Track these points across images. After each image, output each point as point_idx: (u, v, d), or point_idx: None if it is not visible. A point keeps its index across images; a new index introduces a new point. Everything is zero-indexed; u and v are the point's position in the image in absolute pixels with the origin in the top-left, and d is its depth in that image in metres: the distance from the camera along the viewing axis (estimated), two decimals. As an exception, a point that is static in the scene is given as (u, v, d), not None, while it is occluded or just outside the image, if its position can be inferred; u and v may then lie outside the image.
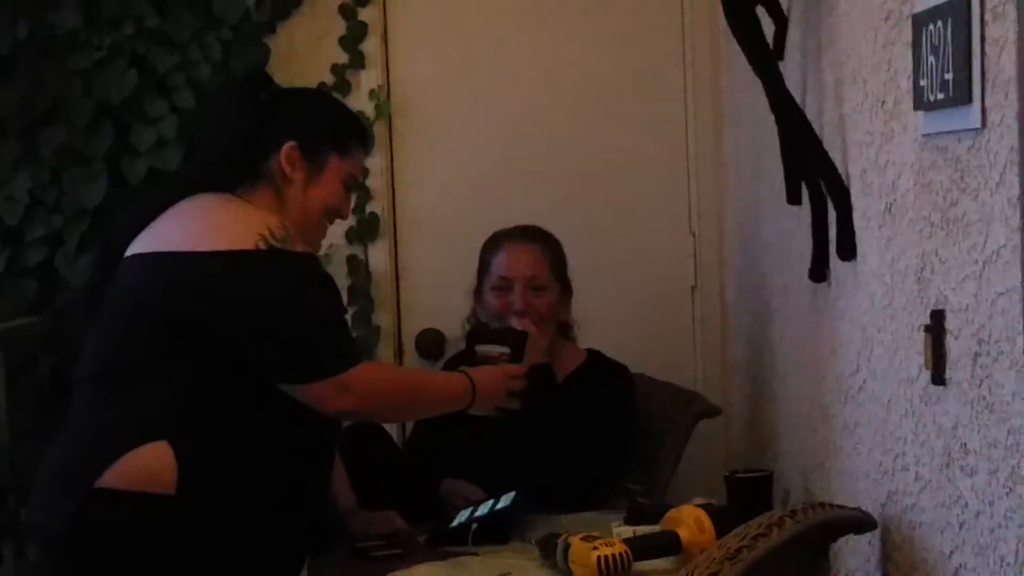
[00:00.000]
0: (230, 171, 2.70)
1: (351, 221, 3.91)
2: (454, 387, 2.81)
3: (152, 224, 2.65)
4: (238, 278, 2.55)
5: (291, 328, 2.56)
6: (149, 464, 2.50)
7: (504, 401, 2.87)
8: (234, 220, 2.60)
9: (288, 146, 2.70)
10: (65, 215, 3.83)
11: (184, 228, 2.61)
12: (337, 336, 2.64)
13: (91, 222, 3.81)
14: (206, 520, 2.52)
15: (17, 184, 3.84)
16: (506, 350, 2.97)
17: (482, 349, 3.01)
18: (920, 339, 2.10)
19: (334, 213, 2.79)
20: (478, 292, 3.48)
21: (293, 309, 2.56)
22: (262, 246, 2.54)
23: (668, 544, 2.65)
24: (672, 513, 2.72)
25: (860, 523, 2.32)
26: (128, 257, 2.64)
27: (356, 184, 2.86)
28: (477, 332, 3.19)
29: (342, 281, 3.82)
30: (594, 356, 3.52)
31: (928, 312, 2.07)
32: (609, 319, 3.87)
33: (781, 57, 2.85)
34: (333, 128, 2.78)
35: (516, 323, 3.31)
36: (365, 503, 3.19)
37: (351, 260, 4.02)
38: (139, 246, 2.64)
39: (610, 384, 3.46)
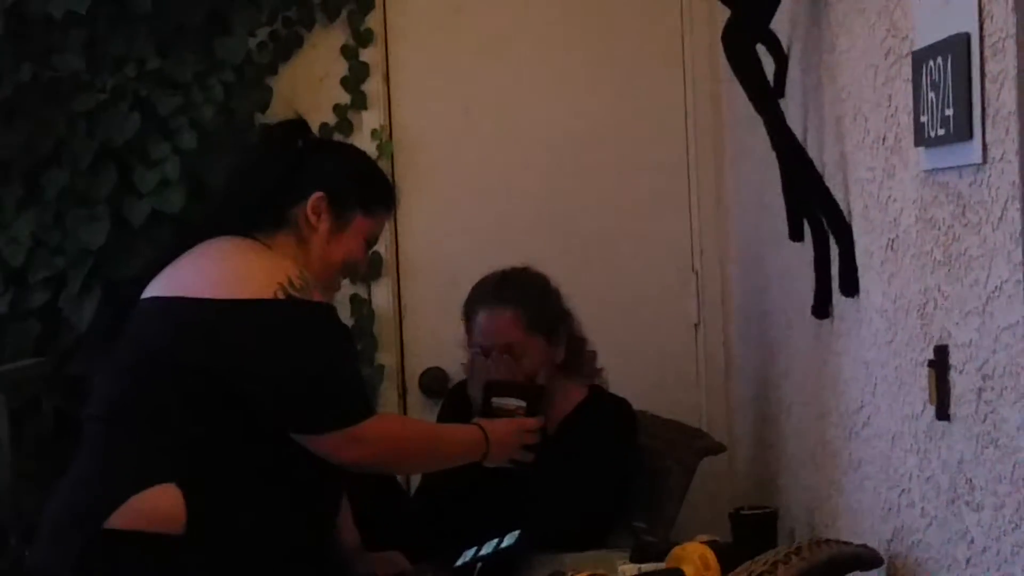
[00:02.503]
0: (254, 214, 2.71)
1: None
2: (467, 441, 2.82)
3: (172, 266, 2.65)
4: (255, 327, 2.55)
5: (305, 380, 2.56)
6: (157, 505, 2.50)
7: (518, 454, 2.88)
8: (254, 268, 2.60)
9: (316, 196, 2.71)
10: (68, 257, 3.83)
11: (204, 273, 2.61)
12: (351, 388, 2.64)
13: (94, 264, 3.81)
14: (213, 562, 2.52)
15: (20, 226, 3.84)
16: (522, 403, 2.99)
17: (498, 401, 3.02)
18: (924, 375, 2.10)
19: (351, 268, 2.80)
20: (467, 342, 3.47)
21: (309, 361, 2.57)
22: (281, 295, 2.55)
23: (673, 582, 2.65)
24: (677, 551, 2.71)
25: (866, 560, 2.31)
26: (146, 299, 2.64)
27: (375, 242, 2.87)
28: (494, 384, 3.19)
29: (345, 320, 3.82)
30: (595, 392, 3.51)
31: (932, 347, 2.07)
32: (612, 358, 3.86)
33: (782, 95, 2.86)
34: (363, 186, 2.79)
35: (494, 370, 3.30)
36: (369, 543, 3.18)
37: (354, 299, 4.03)
38: (157, 288, 2.64)
39: (611, 420, 3.45)
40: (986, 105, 1.82)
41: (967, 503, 1.96)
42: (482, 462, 2.83)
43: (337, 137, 3.93)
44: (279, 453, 2.58)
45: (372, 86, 4.06)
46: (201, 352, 2.55)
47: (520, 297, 3.42)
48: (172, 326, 2.59)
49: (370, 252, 2.88)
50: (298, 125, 2.86)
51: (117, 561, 2.50)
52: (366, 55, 4.04)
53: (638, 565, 2.83)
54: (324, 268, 2.72)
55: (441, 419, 3.52)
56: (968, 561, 1.97)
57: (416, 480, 3.62)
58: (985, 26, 1.81)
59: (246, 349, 2.55)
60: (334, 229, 2.73)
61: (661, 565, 2.73)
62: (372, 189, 2.82)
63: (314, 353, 2.58)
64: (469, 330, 3.45)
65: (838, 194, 2.59)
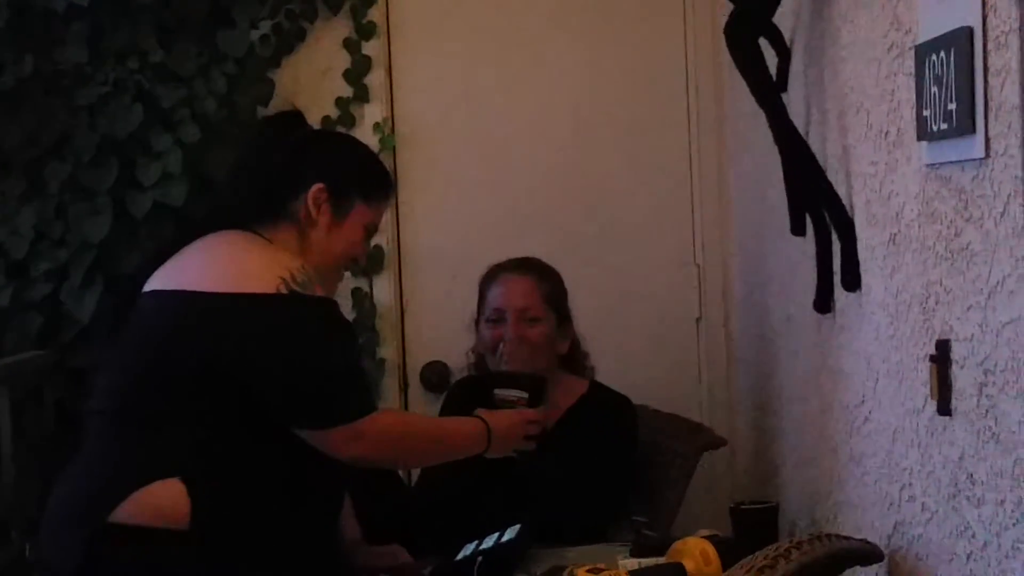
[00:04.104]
0: (255, 208, 2.70)
1: (356, 253, 3.92)
2: (469, 433, 2.81)
3: (174, 259, 2.65)
4: (257, 322, 2.55)
5: (307, 375, 2.56)
6: (162, 500, 2.50)
7: (520, 445, 2.88)
8: (256, 262, 2.60)
9: (316, 188, 2.71)
10: (70, 249, 3.83)
11: (206, 267, 2.61)
12: (353, 384, 2.64)
13: (96, 256, 3.81)
14: (217, 556, 2.51)
15: (22, 219, 3.84)
16: (524, 395, 2.99)
17: (500, 393, 3.02)
18: (925, 369, 2.10)
19: (352, 259, 2.80)
20: (477, 324, 3.49)
21: (310, 356, 2.57)
22: (283, 290, 2.54)
23: (674, 576, 2.65)
24: (678, 545, 2.72)
25: (867, 555, 2.31)
26: (147, 292, 2.64)
27: (375, 232, 2.87)
28: (496, 376, 3.20)
29: (346, 314, 3.82)
30: (595, 388, 3.51)
31: (933, 342, 2.07)
32: (613, 352, 3.87)
33: (784, 88, 2.86)
34: (362, 175, 2.79)
35: (505, 352, 3.32)
36: (370, 536, 3.18)
37: (356, 293, 4.03)
38: (160, 282, 2.63)
39: (611, 415, 3.45)
40: (989, 99, 1.82)
41: (968, 498, 1.96)
42: (484, 454, 2.83)
43: (340, 130, 3.92)
44: (282, 448, 2.57)
45: (375, 79, 4.05)
46: (203, 347, 2.55)
47: (540, 271, 3.49)
48: (174, 320, 2.58)
49: (370, 243, 2.87)
50: (294, 117, 2.86)
51: (121, 555, 2.50)
52: (369, 48, 4.04)
53: (638, 559, 2.83)
54: (325, 260, 2.72)
55: (443, 414, 3.52)
56: (969, 556, 1.97)
57: (416, 473, 3.62)
58: (988, 20, 1.81)
59: (248, 344, 2.55)
60: (334, 220, 2.73)
61: (661, 559, 2.74)
62: (371, 177, 2.81)
63: (316, 348, 2.58)
64: (482, 303, 3.45)
65: (840, 188, 2.59)
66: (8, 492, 3.62)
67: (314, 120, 3.74)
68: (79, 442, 2.68)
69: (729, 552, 2.56)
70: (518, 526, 3.02)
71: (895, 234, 2.28)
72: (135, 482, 2.51)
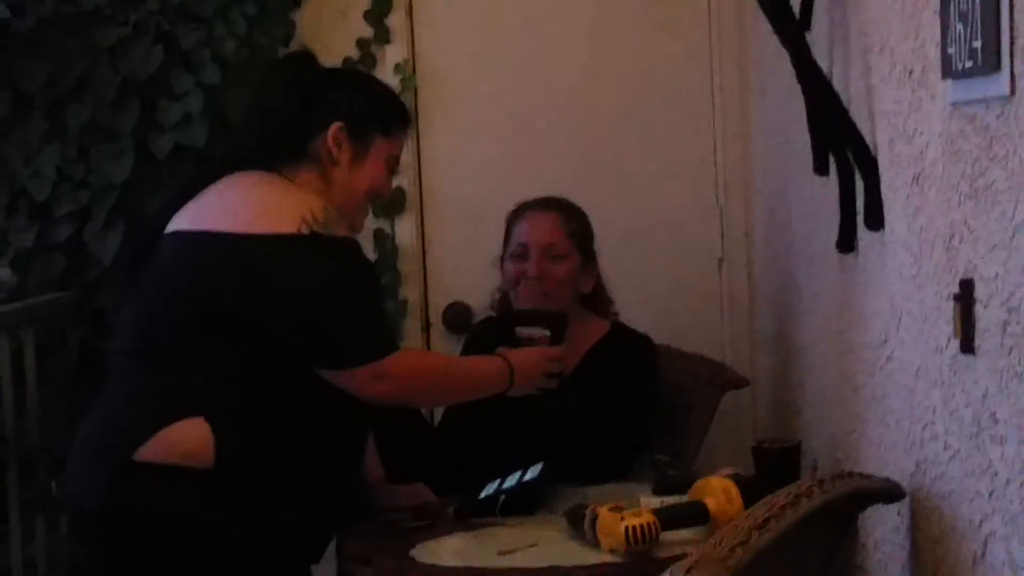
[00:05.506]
0: (274, 150, 2.71)
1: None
2: (491, 372, 2.82)
3: (195, 200, 2.66)
4: (279, 263, 2.56)
5: (329, 316, 2.57)
6: (187, 439, 2.52)
7: (542, 382, 2.89)
8: (277, 202, 2.61)
9: (335, 127, 2.71)
10: (93, 191, 3.84)
11: (227, 208, 2.62)
12: (375, 323, 2.65)
13: (118, 197, 3.82)
14: (241, 494, 2.54)
15: (45, 160, 3.85)
16: (546, 332, 3.00)
17: (522, 331, 3.03)
18: (949, 308, 2.10)
19: (376, 194, 2.80)
20: (502, 261, 3.49)
21: (332, 297, 2.57)
22: (304, 230, 2.55)
23: (696, 514, 2.66)
24: (700, 484, 2.73)
25: (889, 493, 2.32)
26: (169, 233, 2.65)
27: (397, 165, 2.86)
28: (517, 314, 3.20)
29: (368, 255, 3.83)
30: (617, 328, 3.52)
31: (957, 281, 2.06)
32: (636, 292, 3.87)
33: (808, 27, 2.84)
34: (379, 110, 2.79)
35: (523, 289, 3.32)
36: (393, 476, 3.20)
37: (378, 234, 4.03)
38: (181, 223, 2.64)
39: (633, 355, 3.45)
40: (1015, 36, 1.80)
41: (991, 437, 1.96)
42: (507, 392, 2.84)
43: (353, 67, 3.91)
44: (306, 388, 2.59)
45: (395, 20, 4.04)
46: (225, 287, 2.56)
47: (567, 209, 3.48)
48: (196, 261, 2.59)
49: (393, 178, 2.87)
50: (305, 57, 2.85)
51: (146, 493, 2.52)
52: (389, -13, 4.03)
53: (660, 498, 2.84)
54: (349, 198, 2.72)
55: (465, 353, 3.53)
56: (991, 494, 1.97)
57: (439, 413, 3.63)
58: (1014, -44, 1.79)
59: (270, 284, 2.56)
60: (356, 157, 2.73)
61: (684, 498, 2.75)
62: (388, 111, 2.81)
63: (338, 289, 2.59)
64: (507, 239, 3.45)
65: (864, 127, 2.57)
66: (34, 431, 3.65)
67: (335, 61, 3.73)
68: (103, 382, 2.70)
69: (751, 491, 2.57)
70: (540, 465, 3.03)
71: (919, 173, 2.27)
72: (159, 421, 2.53)
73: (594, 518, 2.68)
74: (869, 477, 2.36)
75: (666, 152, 4.10)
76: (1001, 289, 1.90)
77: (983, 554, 1.99)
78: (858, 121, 2.59)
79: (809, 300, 3.25)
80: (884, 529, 2.52)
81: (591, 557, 2.67)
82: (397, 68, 4.02)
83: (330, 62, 3.01)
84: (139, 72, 3.83)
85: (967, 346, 2.03)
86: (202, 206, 2.65)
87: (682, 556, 2.09)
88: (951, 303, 2.08)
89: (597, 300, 3.52)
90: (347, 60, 3.96)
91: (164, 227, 2.67)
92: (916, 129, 2.27)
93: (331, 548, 2.87)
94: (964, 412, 2.07)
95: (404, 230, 4.09)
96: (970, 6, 1.92)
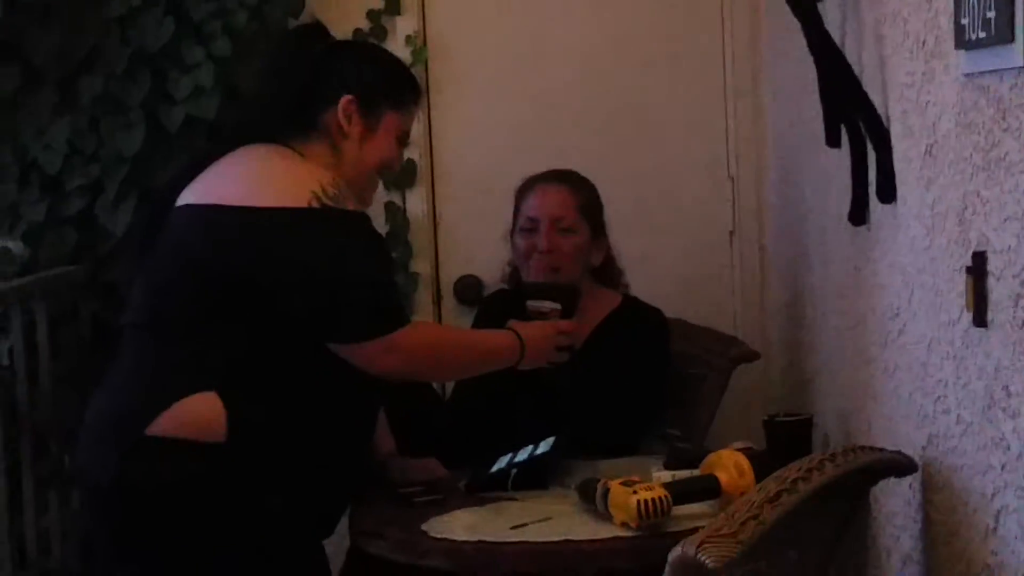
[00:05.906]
0: (284, 123, 2.70)
1: (389, 167, 3.91)
2: (502, 346, 2.82)
3: (205, 173, 2.65)
4: (289, 237, 2.55)
5: (339, 289, 2.57)
6: (199, 413, 2.52)
7: (553, 356, 2.88)
8: (288, 175, 2.60)
9: (345, 100, 2.70)
10: (104, 163, 3.84)
11: (238, 181, 2.61)
12: (385, 297, 2.65)
13: (130, 170, 3.82)
14: (253, 469, 2.54)
15: (56, 133, 3.84)
16: (557, 306, 2.99)
17: (533, 304, 3.03)
18: (961, 281, 2.09)
19: (387, 167, 2.79)
20: (512, 235, 3.48)
21: (342, 270, 2.57)
22: (315, 204, 2.55)
23: (707, 488, 2.66)
24: (711, 457, 2.73)
25: (900, 466, 2.32)
26: (180, 207, 2.64)
27: (408, 138, 2.86)
28: (528, 287, 3.20)
29: (380, 228, 3.83)
30: (628, 301, 3.51)
31: (970, 254, 2.05)
32: (647, 264, 3.86)
33: (820, -3, 2.83)
34: (389, 82, 2.78)
35: (534, 263, 3.32)
36: (405, 450, 3.21)
37: (389, 207, 4.03)
38: (191, 196, 2.64)
39: (645, 328, 3.45)
40: (1029, 7, 1.79)
41: (1003, 410, 1.95)
42: (517, 366, 2.83)
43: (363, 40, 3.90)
44: (317, 363, 2.59)
45: (406, -9, 4.03)
46: (236, 261, 2.55)
47: (576, 182, 3.48)
48: (208, 235, 2.59)
49: (403, 151, 2.86)
50: (315, 29, 2.84)
51: (158, 467, 2.52)
52: (400, -41, 4.01)
53: (672, 472, 2.84)
54: (359, 171, 2.72)
55: (476, 326, 3.53)
56: (1003, 467, 1.97)
57: (451, 387, 3.63)
58: (1029, -75, 1.78)
59: (280, 258, 2.55)
60: (366, 130, 2.72)
61: (695, 472, 2.75)
62: (398, 84, 2.80)
63: (348, 262, 2.58)
64: (517, 213, 3.45)
65: (876, 99, 2.56)
66: (46, 405, 3.66)
67: (345, 33, 3.72)
68: (115, 355, 2.70)
69: (763, 464, 2.57)
70: (552, 439, 3.03)
71: (931, 145, 2.25)
72: (171, 395, 2.53)
73: (606, 492, 2.68)
74: (881, 450, 2.36)
75: (678, 125, 4.09)
76: (1014, 262, 1.89)
77: (995, 527, 1.98)
78: (871, 92, 2.58)
79: (821, 272, 3.25)
80: (896, 502, 2.52)
81: (603, 531, 2.68)
82: (408, 40, 4.01)
83: (340, 34, 3.00)
84: (150, 44, 3.82)
85: (979, 319, 2.02)
86: (213, 179, 2.64)
87: (694, 530, 2.09)
88: (963, 276, 2.07)
89: (608, 273, 3.52)
90: (357, 32, 3.95)
91: (175, 200, 2.66)
92: (929, 100, 2.26)
93: (343, 522, 2.87)
94: (976, 385, 2.07)
95: (415, 203, 4.08)
96: (984, -24, 1.90)
